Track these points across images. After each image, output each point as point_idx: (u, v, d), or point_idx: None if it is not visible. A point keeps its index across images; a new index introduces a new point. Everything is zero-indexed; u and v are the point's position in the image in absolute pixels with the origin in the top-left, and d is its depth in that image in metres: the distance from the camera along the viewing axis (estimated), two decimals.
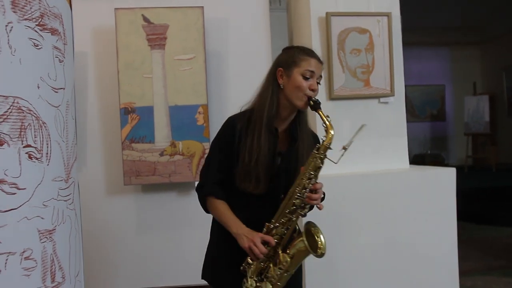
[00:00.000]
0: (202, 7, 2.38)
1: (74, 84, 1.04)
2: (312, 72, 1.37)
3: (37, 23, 0.84)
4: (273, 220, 1.34)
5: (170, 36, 2.38)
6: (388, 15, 2.35)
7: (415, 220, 2.24)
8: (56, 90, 0.90)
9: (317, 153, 1.32)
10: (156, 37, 2.37)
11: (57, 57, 0.90)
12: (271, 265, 1.35)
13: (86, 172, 2.42)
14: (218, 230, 1.43)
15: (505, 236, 4.28)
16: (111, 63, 2.39)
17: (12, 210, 0.78)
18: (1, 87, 0.77)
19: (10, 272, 0.78)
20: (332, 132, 1.31)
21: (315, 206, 1.37)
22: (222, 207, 1.38)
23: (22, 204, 0.80)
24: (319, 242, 1.33)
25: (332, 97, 2.31)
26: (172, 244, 2.41)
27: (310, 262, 2.09)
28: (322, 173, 2.21)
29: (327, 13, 2.29)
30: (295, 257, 1.33)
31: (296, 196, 1.32)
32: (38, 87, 0.84)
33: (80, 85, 2.45)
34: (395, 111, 2.41)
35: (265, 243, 1.31)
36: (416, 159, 7.02)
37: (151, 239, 2.41)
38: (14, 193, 0.79)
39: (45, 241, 0.84)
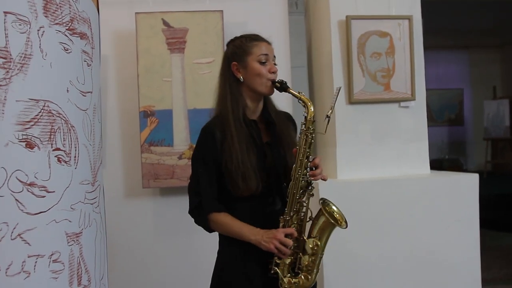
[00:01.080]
0: (222, 11, 2.39)
1: (100, 88, 1.04)
2: (266, 55, 1.35)
3: (67, 27, 0.85)
4: (286, 211, 1.32)
5: (189, 40, 2.39)
6: (409, 18, 2.32)
7: (436, 226, 2.19)
8: (84, 94, 0.90)
9: (305, 130, 1.31)
10: (176, 40, 2.39)
11: (85, 61, 0.91)
12: (301, 255, 1.32)
13: (105, 174, 2.42)
14: (230, 244, 1.37)
15: None
16: (131, 66, 2.41)
17: (41, 213, 0.79)
18: (33, 90, 0.77)
19: (38, 274, 0.79)
20: (310, 105, 1.31)
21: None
22: (228, 219, 1.33)
23: (51, 207, 0.80)
24: (337, 215, 1.33)
25: (351, 101, 2.28)
26: (190, 248, 2.41)
27: (328, 268, 2.06)
28: (342, 178, 2.18)
29: (347, 16, 2.27)
30: (322, 237, 1.33)
31: (301, 178, 1.30)
32: (68, 91, 0.85)
33: (100, 89, 2.47)
34: (416, 116, 2.37)
35: (287, 236, 1.28)
36: (433, 164, 6.88)
37: (169, 243, 2.41)
38: (44, 196, 0.79)
39: (72, 244, 0.85)
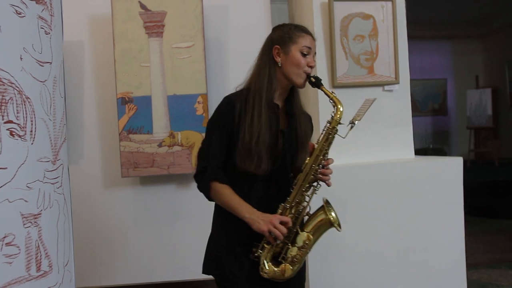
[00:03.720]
0: None
1: (63, 60, 0.97)
2: (309, 48, 1.36)
3: None
4: (289, 200, 1.31)
5: (168, 24, 2.30)
6: (392, 0, 2.27)
7: (421, 210, 2.17)
8: (41, 64, 0.83)
9: (331, 128, 1.33)
10: (154, 24, 2.30)
11: (42, 28, 0.84)
12: (290, 245, 1.31)
13: (83, 163, 2.35)
14: (223, 218, 1.36)
15: (509, 230, 4.22)
16: (108, 52, 2.32)
17: None
18: None
19: None
20: (340, 106, 1.34)
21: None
22: (228, 192, 1.32)
23: (3, 185, 0.73)
24: (332, 218, 1.34)
25: (335, 85, 2.23)
26: (171, 238, 2.35)
27: (313, 253, 2.03)
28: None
29: None
30: (315, 234, 1.33)
31: (312, 173, 1.31)
32: (21, 58, 0.77)
33: (76, 75, 2.38)
34: (400, 99, 2.33)
35: (282, 223, 1.27)
36: (418, 153, 6.96)
37: (150, 232, 2.34)
38: None
39: (29, 226, 0.78)
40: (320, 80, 1.36)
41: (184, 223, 2.35)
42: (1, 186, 0.72)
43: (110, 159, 2.35)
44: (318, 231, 1.34)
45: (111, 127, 2.35)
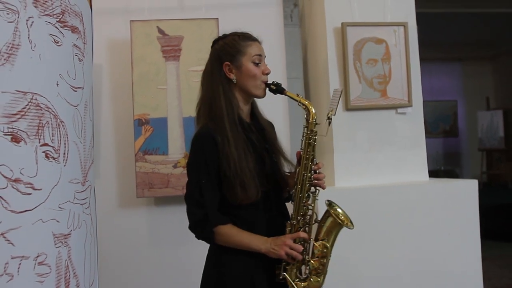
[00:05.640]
0: (217, 19, 2.38)
1: (92, 86, 1.01)
2: (260, 56, 1.30)
3: (58, 19, 0.82)
4: (293, 215, 1.28)
5: (184, 48, 2.37)
6: (404, 25, 2.32)
7: (436, 234, 2.15)
8: (75, 89, 0.87)
9: (309, 133, 1.28)
10: (171, 48, 2.37)
11: (76, 55, 0.88)
12: (309, 258, 1.29)
13: (99, 183, 2.38)
14: (230, 251, 1.28)
15: None
16: (126, 74, 2.39)
17: (27, 211, 0.74)
18: (20, 82, 0.74)
19: (22, 277, 0.74)
20: (311, 107, 1.28)
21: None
22: (235, 231, 1.25)
23: (38, 206, 0.76)
24: (342, 217, 1.32)
25: (348, 108, 2.26)
26: (185, 259, 2.34)
27: (326, 278, 2.00)
28: (340, 185, 2.15)
29: (342, 23, 2.27)
30: (329, 239, 1.31)
31: (307, 182, 1.27)
32: (57, 84, 0.81)
33: (94, 97, 2.43)
34: (413, 122, 2.35)
35: (296, 241, 1.25)
36: (429, 175, 6.91)
37: (163, 253, 2.34)
38: (30, 194, 0.75)
39: (60, 246, 0.80)
40: (280, 84, 1.30)
41: (198, 244, 2.34)
42: (36, 207, 0.75)
43: (126, 180, 2.38)
44: (331, 235, 1.32)
45: (127, 147, 2.39)
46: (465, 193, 2.22)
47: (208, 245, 1.37)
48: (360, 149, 2.27)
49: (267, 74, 1.31)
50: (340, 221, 1.30)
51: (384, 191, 2.17)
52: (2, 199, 0.71)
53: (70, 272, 0.82)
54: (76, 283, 0.84)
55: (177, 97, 2.36)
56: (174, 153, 2.33)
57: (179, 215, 2.41)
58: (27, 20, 0.76)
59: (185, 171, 2.32)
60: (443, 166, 7.66)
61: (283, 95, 1.33)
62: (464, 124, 7.99)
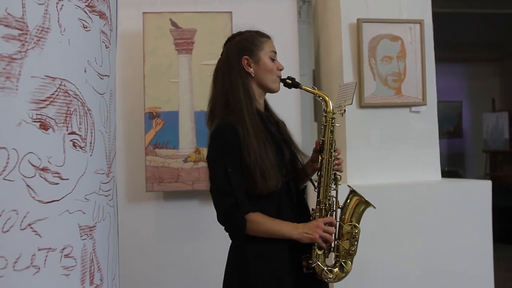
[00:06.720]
0: (231, 12, 2.35)
1: (115, 74, 0.98)
2: (275, 53, 1.36)
3: (86, 3, 0.79)
4: (320, 200, 1.30)
5: (197, 41, 2.34)
6: (420, 22, 2.29)
7: (447, 233, 2.13)
8: (102, 77, 0.84)
9: (329, 120, 1.33)
10: (184, 41, 2.34)
11: (103, 42, 0.85)
12: (339, 241, 1.31)
13: None
14: (262, 246, 1.26)
15: None
16: (137, 67, 2.36)
17: (54, 202, 0.72)
18: (49, 67, 0.71)
19: (49, 270, 0.71)
20: (327, 98, 1.34)
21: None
22: (265, 218, 1.24)
23: (65, 196, 0.73)
24: (363, 199, 1.36)
25: (362, 105, 2.23)
26: (193, 254, 2.32)
27: None
28: (352, 183, 2.14)
29: (358, 19, 2.24)
30: (357, 219, 1.34)
31: (332, 169, 1.32)
32: (85, 71, 0.78)
33: None
34: (427, 121, 2.32)
35: (327, 224, 1.27)
36: None
37: (171, 248, 2.32)
38: (57, 183, 0.72)
39: (85, 238, 0.77)
40: (295, 79, 1.36)
41: (206, 239, 2.33)
42: (63, 197, 0.73)
43: (135, 173, 2.36)
44: (357, 215, 1.35)
45: (137, 141, 2.36)
46: (478, 193, 2.20)
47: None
48: (373, 147, 2.24)
49: (281, 70, 1.36)
50: (365, 200, 1.34)
51: (396, 189, 2.15)
52: (30, 188, 0.68)
53: (94, 265, 0.79)
54: (100, 277, 0.81)
55: (189, 90, 2.33)
56: (185, 147, 2.31)
57: (188, 210, 2.41)
58: (57, 3, 0.73)
59: (196, 166, 2.32)
60: (446, 167, 7.62)
61: (298, 89, 1.39)
62: (469, 125, 7.96)
